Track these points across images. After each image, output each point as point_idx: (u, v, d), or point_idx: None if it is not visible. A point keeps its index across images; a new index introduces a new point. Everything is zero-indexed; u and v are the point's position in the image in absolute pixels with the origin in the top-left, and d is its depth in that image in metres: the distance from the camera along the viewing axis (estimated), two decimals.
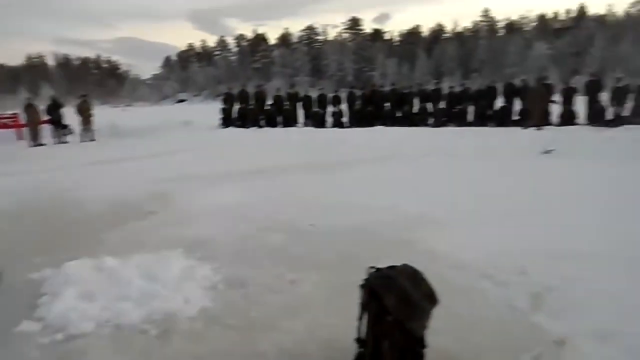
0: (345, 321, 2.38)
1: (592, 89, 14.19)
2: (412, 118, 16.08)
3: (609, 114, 13.83)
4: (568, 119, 13.99)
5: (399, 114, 16.44)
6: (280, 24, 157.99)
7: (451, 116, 15.72)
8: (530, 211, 5.09)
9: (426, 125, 15.61)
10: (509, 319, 2.76)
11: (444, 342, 2.37)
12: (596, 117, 13.74)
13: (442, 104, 16.07)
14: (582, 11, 60.18)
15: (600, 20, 56.94)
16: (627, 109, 13.75)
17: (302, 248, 4.18)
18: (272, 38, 78.28)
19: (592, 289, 3.08)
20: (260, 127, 16.88)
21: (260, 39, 75.49)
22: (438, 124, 15.43)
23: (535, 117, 13.63)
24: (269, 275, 3.53)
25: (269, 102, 18.12)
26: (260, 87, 20.08)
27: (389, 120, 16.10)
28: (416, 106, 16.40)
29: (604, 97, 14.22)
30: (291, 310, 2.96)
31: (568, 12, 62.20)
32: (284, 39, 75.24)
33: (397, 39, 72.49)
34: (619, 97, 13.73)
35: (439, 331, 2.29)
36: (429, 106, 16.21)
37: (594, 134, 11.38)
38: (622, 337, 2.47)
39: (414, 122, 15.76)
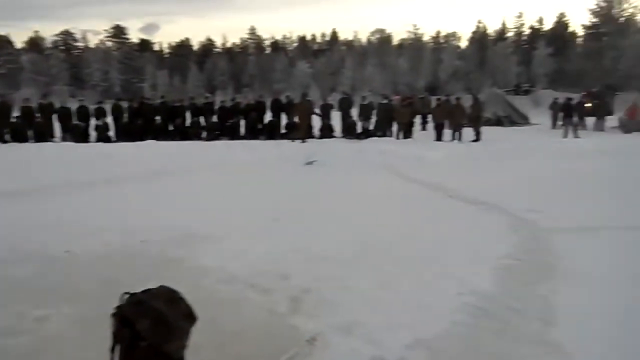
0: (100, 355, 2.18)
1: (344, 106, 16.11)
2: (185, 132, 15.86)
3: (359, 128, 15.88)
4: (327, 132, 15.59)
5: (171, 128, 16.03)
6: (27, 26, 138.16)
7: (224, 130, 15.99)
8: (293, 219, 5.48)
9: (200, 139, 15.55)
10: (270, 324, 2.91)
11: (205, 356, 2.36)
12: (349, 131, 15.62)
13: (214, 118, 16.25)
14: (334, 36, 67.87)
15: (349, 45, 65.16)
16: (372, 123, 16.00)
17: (54, 279, 3.71)
18: (19, 41, 68.09)
19: (341, 287, 3.46)
20: (5, 142, 14.51)
21: (3, 41, 65.04)
22: (211, 137, 15.51)
23: (300, 131, 14.81)
24: (9, 315, 3.03)
25: (16, 113, 15.73)
26: (3, 96, 17.30)
27: (161, 134, 15.54)
28: (189, 120, 16.24)
29: (354, 112, 16.28)
30: (35, 353, 2.59)
31: (323, 35, 69.50)
32: (34, 43, 66.30)
33: (167, 50, 70.81)
34: (365, 113, 15.87)
35: (201, 346, 2.27)
36: (202, 120, 16.23)
37: (347, 146, 12.90)
38: (365, 328, 2.83)
39: (187, 136, 15.57)
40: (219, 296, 3.32)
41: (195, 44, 70.88)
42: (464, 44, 59.07)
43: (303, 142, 14.09)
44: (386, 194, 7.21)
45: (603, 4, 49.38)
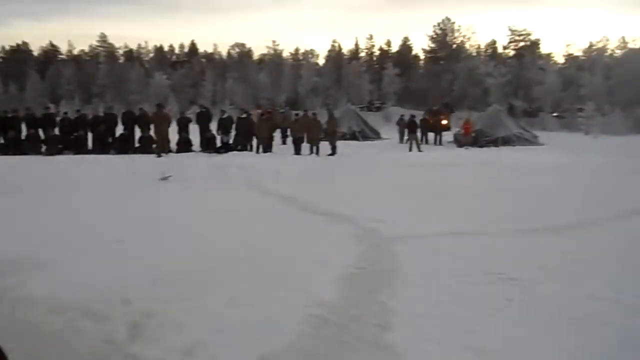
0: None
1: (202, 119, 15.77)
2: (21, 145, 14.22)
3: (219, 142, 15.66)
4: (184, 146, 15.10)
5: (1, 141, 14.27)
6: None
7: (68, 143, 14.65)
8: (140, 239, 5.18)
9: (39, 153, 14.04)
10: (106, 355, 2.69)
11: None
12: (208, 145, 15.32)
13: (56, 130, 14.81)
14: (193, 47, 66.34)
15: (209, 57, 64.24)
16: (232, 137, 15.89)
17: None
18: None
19: (188, 307, 3.34)
20: None
21: None
22: (52, 151, 14.09)
23: (158, 144, 14.12)
24: None
25: None
26: None
27: None
28: (25, 132, 14.60)
29: (214, 126, 16.00)
30: None
31: (182, 46, 67.52)
32: None
33: (0, 55, 63.15)
34: (224, 126, 15.71)
35: None
36: (41, 132, 14.70)
37: (206, 160, 12.62)
38: (208, 348, 2.75)
39: (23, 150, 13.99)
40: (47, 328, 3.00)
41: (35, 49, 64.30)
42: (321, 61, 61.71)
43: (159, 156, 13.47)
44: (242, 208, 7.17)
45: (439, 31, 55.38)
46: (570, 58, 52.17)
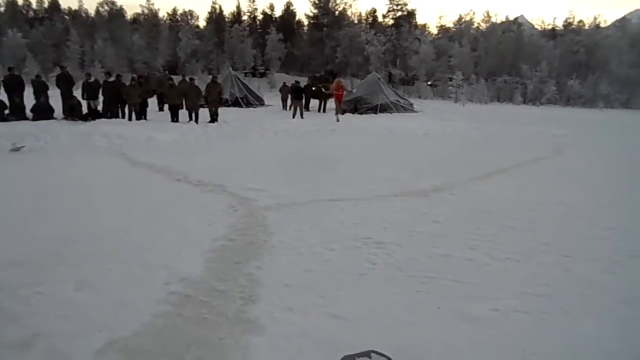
0: None
1: (64, 84, 14.26)
2: None
3: (85, 109, 14.31)
4: (43, 113, 13.58)
5: None
6: None
7: None
8: None
9: None
10: None
11: None
12: (72, 112, 13.93)
13: None
14: (54, 3, 59.26)
15: (74, 14, 58.01)
16: (100, 103, 14.60)
17: None
18: None
19: (30, 294, 2.98)
20: None
21: None
22: None
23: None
24: None
25: None
26: None
27: None
28: None
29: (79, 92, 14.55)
30: None
31: (40, 2, 60.02)
32: None
33: None
34: (90, 92, 14.36)
35: None
36: None
37: (68, 128, 11.46)
38: (49, 339, 2.48)
39: None
40: None
41: None
42: (202, 23, 58.75)
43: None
44: (106, 180, 6.60)
45: None
46: (442, 29, 55.50)
